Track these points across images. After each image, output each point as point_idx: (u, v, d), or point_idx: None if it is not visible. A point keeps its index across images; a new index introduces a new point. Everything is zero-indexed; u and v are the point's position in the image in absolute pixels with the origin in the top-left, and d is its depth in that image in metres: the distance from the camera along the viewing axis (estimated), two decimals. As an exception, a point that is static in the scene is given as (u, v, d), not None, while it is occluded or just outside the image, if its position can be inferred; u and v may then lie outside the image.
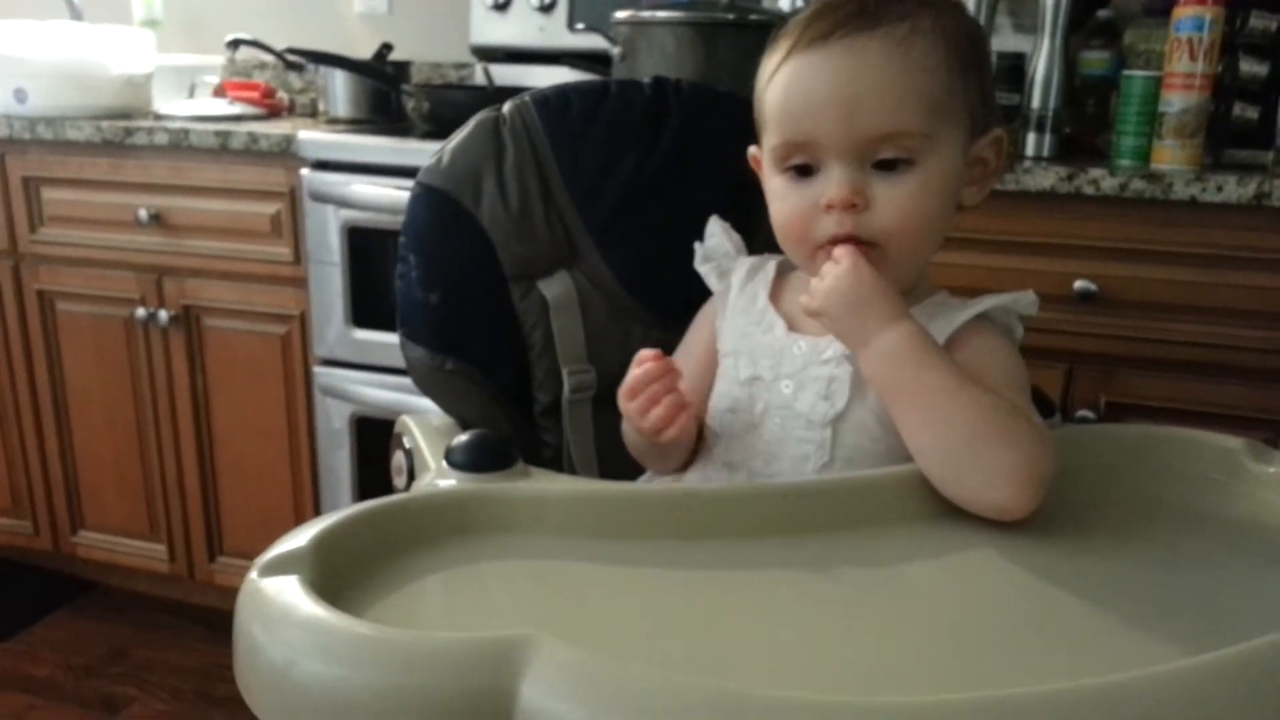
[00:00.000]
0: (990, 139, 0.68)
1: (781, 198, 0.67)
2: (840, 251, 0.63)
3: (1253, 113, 1.35)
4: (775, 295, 0.73)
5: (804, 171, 0.65)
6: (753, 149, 0.73)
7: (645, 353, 0.68)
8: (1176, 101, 1.27)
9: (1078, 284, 1.25)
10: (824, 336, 0.68)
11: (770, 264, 0.75)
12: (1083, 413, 1.27)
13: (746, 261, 0.76)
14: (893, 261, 0.64)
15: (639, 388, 0.67)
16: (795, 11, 0.69)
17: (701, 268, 0.77)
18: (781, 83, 0.65)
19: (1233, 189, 1.18)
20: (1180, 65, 1.27)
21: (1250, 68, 1.34)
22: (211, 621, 1.80)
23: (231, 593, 0.46)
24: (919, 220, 0.64)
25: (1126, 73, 1.35)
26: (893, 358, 0.61)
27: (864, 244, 0.64)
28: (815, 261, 0.67)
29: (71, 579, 1.94)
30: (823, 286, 0.63)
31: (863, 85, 0.62)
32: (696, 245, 0.78)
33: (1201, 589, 0.54)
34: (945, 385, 0.60)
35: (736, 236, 0.77)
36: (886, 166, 0.63)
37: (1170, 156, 1.28)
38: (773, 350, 0.70)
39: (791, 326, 0.71)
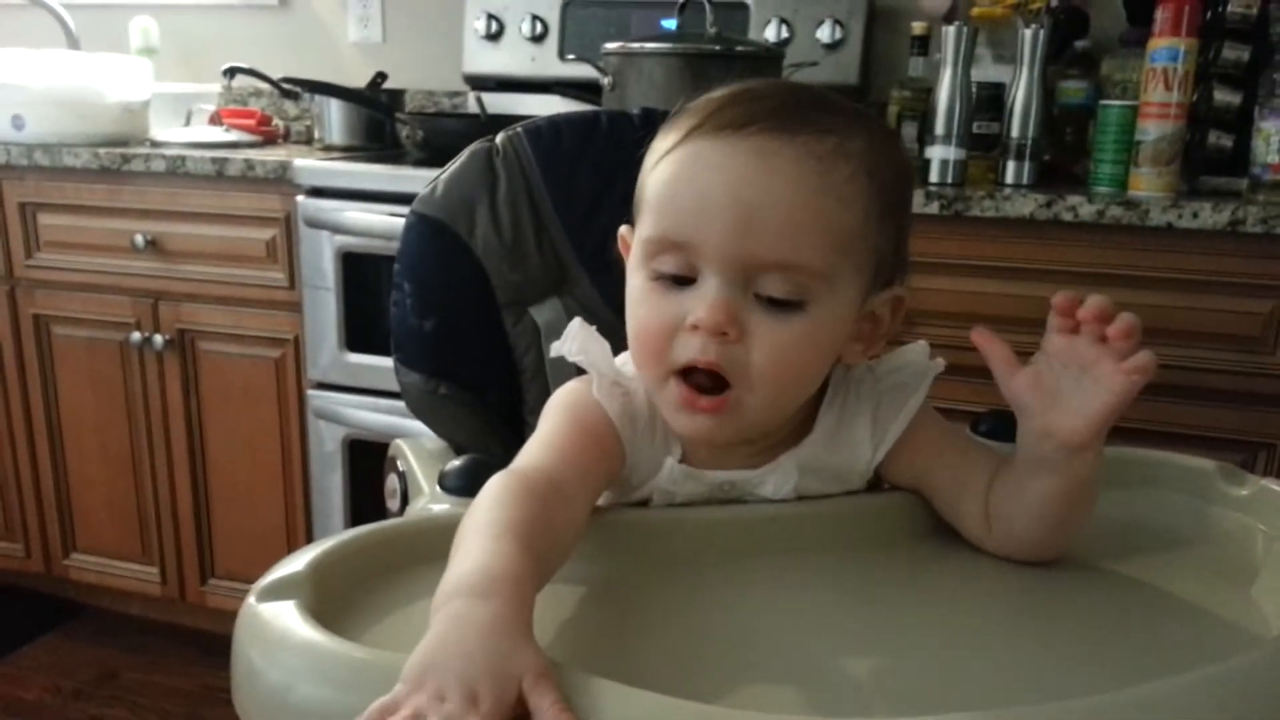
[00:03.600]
0: (890, 295, 0.59)
1: (641, 303, 0.56)
2: None
3: (1227, 141, 1.38)
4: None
5: (676, 281, 0.55)
6: (624, 230, 0.62)
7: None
8: (1152, 130, 1.30)
9: (1058, 308, 1.27)
10: (754, 470, 0.61)
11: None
12: (1064, 435, 1.29)
13: (625, 387, 0.61)
14: (748, 410, 0.55)
15: None
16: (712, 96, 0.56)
17: (597, 388, 0.61)
18: (671, 167, 0.54)
19: (1208, 215, 1.20)
20: (1156, 95, 1.30)
21: (1224, 97, 1.38)
22: (203, 644, 1.79)
23: (223, 615, 0.47)
24: (794, 372, 0.55)
25: (1104, 102, 1.38)
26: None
27: (721, 383, 0.54)
28: (667, 389, 0.56)
29: (63, 601, 1.94)
30: None
31: (766, 197, 0.52)
32: (555, 346, 0.64)
33: (1175, 609, 0.56)
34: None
35: (604, 343, 0.63)
36: (772, 303, 0.54)
37: (1147, 184, 1.31)
38: (708, 489, 0.61)
39: (705, 459, 0.60)
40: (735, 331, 0.53)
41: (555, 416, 0.60)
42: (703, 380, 0.55)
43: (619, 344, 0.63)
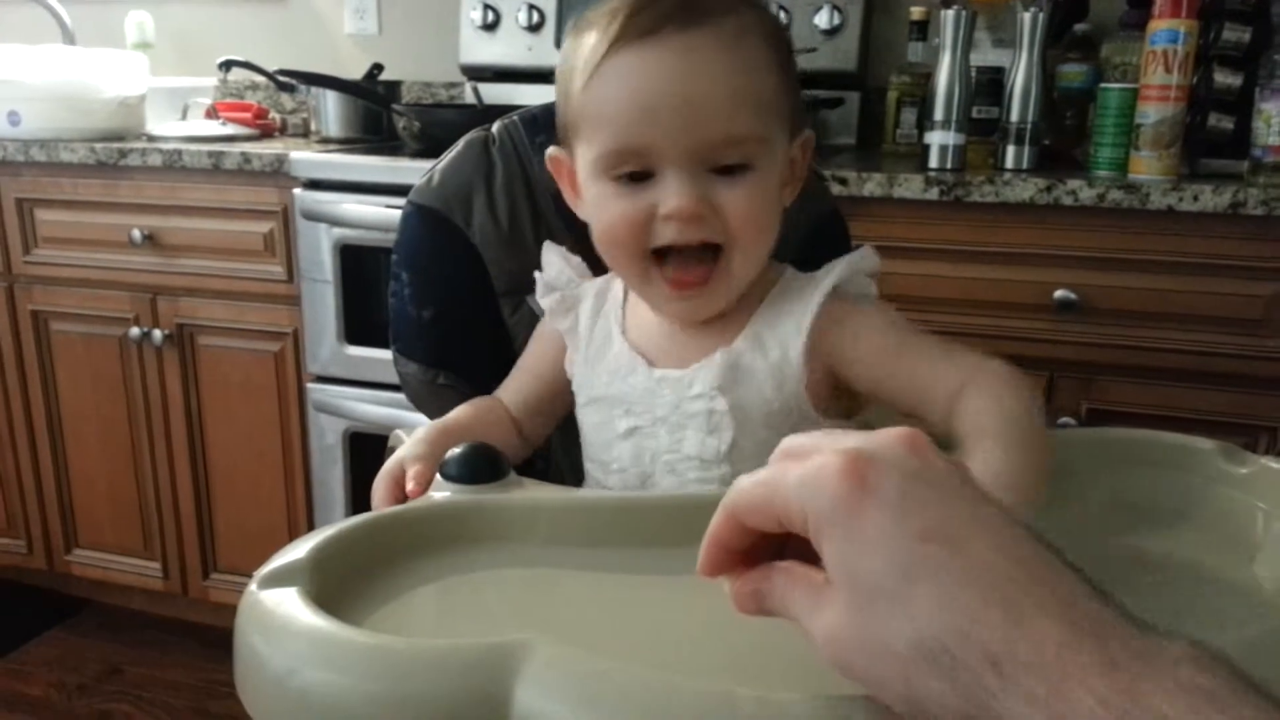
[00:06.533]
0: (802, 139, 0.66)
1: (608, 205, 0.63)
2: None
3: (1227, 123, 1.38)
4: (627, 324, 0.70)
5: (635, 178, 0.61)
6: (554, 151, 0.69)
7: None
8: (1152, 113, 1.30)
9: (1058, 293, 1.27)
10: (687, 369, 0.66)
11: (616, 287, 0.72)
12: (1065, 420, 1.29)
13: (591, 287, 0.73)
14: (738, 265, 0.63)
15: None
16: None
17: (544, 300, 0.74)
18: (606, 82, 0.60)
19: (1209, 198, 1.20)
20: (1156, 77, 1.29)
21: (1224, 79, 1.37)
22: (206, 638, 1.80)
23: (226, 609, 0.47)
24: (760, 223, 0.63)
25: (1104, 85, 1.38)
26: None
27: (709, 251, 0.62)
28: (650, 279, 0.64)
29: (66, 597, 1.94)
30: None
31: (701, 87, 0.58)
32: (536, 275, 0.75)
33: (1177, 587, 0.56)
34: None
35: (576, 259, 0.74)
36: (724, 171, 0.61)
37: (1147, 167, 1.31)
38: (640, 395, 0.67)
39: (651, 360, 0.68)
40: (706, 209, 0.60)
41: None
42: (689, 257, 0.62)
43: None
